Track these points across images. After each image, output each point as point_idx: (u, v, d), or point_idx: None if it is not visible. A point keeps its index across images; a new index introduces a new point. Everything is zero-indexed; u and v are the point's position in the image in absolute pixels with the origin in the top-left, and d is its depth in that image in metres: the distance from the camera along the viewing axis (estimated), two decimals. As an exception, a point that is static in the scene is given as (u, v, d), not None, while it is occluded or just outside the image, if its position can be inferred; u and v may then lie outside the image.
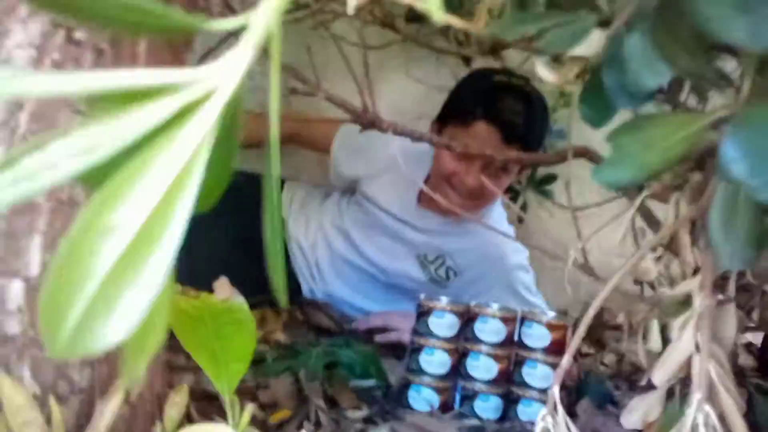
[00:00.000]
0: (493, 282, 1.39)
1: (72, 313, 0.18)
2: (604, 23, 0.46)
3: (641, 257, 0.61)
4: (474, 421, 0.98)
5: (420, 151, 1.46)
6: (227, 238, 1.40)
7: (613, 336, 1.93)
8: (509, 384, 1.04)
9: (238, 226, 1.50)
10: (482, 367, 1.03)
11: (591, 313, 0.57)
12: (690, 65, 0.35)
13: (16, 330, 0.51)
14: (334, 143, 1.56)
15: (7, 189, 0.17)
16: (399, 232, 1.47)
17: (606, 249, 1.54)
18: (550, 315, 1.08)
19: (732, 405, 0.51)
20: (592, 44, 0.40)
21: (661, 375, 0.58)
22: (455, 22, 0.27)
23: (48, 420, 0.47)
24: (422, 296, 1.08)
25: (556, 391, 0.58)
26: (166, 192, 0.18)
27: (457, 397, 1.03)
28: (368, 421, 0.92)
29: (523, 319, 1.07)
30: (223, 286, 0.69)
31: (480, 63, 1.67)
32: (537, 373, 1.02)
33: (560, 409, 0.57)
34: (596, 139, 0.83)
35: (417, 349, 1.04)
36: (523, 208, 1.84)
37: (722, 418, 0.54)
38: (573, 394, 1.07)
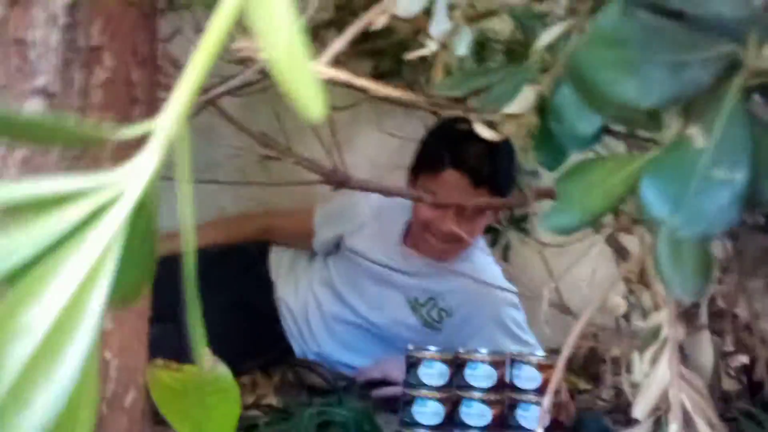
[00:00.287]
0: (484, 320, 1.40)
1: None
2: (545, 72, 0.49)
3: (609, 291, 0.62)
4: (472, 470, 0.97)
5: (400, 200, 1.49)
6: (215, 306, 1.40)
7: (609, 370, 1.92)
8: (505, 429, 1.04)
9: (225, 296, 1.51)
10: (476, 414, 1.02)
11: (565, 352, 0.58)
12: (616, 113, 0.38)
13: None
14: (315, 222, 1.62)
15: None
16: (388, 278, 1.49)
17: (598, 283, 1.55)
18: (540, 355, 1.08)
19: (711, 433, 0.51)
20: (527, 100, 0.43)
21: (642, 408, 0.59)
22: (395, 92, 0.30)
23: None
24: (410, 347, 1.09)
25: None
26: (77, 291, 0.19)
27: (454, 447, 1.02)
28: (365, 480, 0.91)
29: (513, 362, 1.07)
30: (204, 356, 0.69)
31: (448, 111, 1.72)
32: (531, 416, 1.02)
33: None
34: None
35: (409, 402, 1.03)
36: (507, 247, 1.86)
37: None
38: (571, 432, 1.07)
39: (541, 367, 1.04)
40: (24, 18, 0.51)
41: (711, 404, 0.58)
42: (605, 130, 0.56)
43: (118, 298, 0.21)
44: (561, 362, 0.64)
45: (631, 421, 1.20)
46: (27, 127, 0.20)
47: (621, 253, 0.87)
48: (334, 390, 1.33)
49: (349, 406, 1.11)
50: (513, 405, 1.04)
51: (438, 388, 1.03)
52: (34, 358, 0.18)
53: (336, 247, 1.60)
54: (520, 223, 1.90)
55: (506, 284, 1.46)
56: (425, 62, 1.39)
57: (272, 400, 1.21)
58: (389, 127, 2.03)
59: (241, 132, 2.07)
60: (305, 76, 0.18)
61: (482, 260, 1.49)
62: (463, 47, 0.52)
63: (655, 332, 0.65)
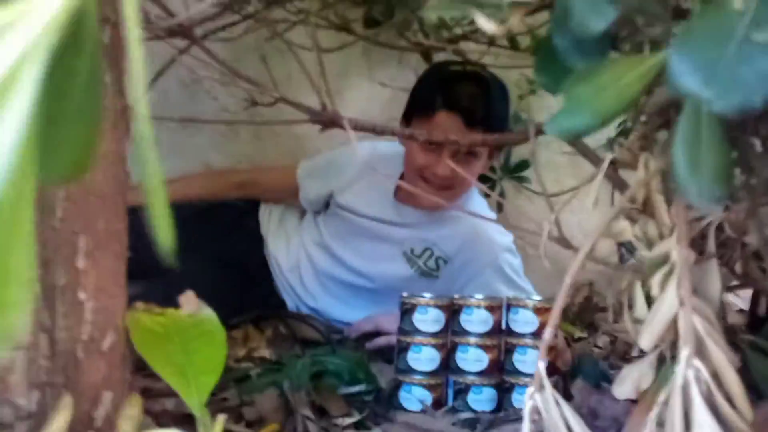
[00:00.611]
0: (482, 266, 1.38)
1: None
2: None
3: (615, 217, 0.59)
4: (468, 414, 0.95)
5: (391, 153, 1.46)
6: (207, 263, 1.37)
7: (604, 318, 1.92)
8: (501, 373, 1.02)
9: (218, 252, 1.48)
10: (472, 359, 1.00)
11: (568, 280, 0.55)
12: (633, 1, 0.34)
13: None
14: (298, 175, 1.59)
15: None
16: (381, 232, 1.46)
17: (588, 230, 1.53)
18: (536, 299, 1.06)
19: (723, 359, 0.49)
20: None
21: (648, 338, 0.56)
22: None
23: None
24: (404, 294, 1.06)
25: (542, 367, 0.55)
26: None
27: (450, 393, 1.01)
28: (359, 426, 0.89)
29: (509, 306, 1.05)
30: (189, 300, 0.66)
31: (440, 57, 1.67)
32: (528, 359, 1.00)
33: (548, 384, 0.55)
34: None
35: (404, 348, 1.01)
36: (502, 196, 1.83)
37: (715, 375, 0.52)
38: (568, 378, 1.05)
39: (537, 311, 1.02)
40: None
41: (720, 332, 0.55)
42: (613, 47, 0.51)
43: (68, 162, 0.19)
44: (560, 299, 0.61)
45: (629, 361, 1.18)
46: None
47: (621, 187, 0.84)
48: (327, 342, 1.31)
49: (342, 355, 1.09)
50: (510, 349, 1.02)
51: (433, 334, 1.01)
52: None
53: (326, 206, 1.58)
54: (515, 171, 1.87)
55: (501, 230, 1.44)
56: (416, 10, 1.34)
57: (265, 352, 1.19)
58: (381, 78, 1.97)
59: (228, 84, 2.01)
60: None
61: (477, 207, 1.46)
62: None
63: (660, 262, 0.62)
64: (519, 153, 1.97)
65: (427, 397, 0.98)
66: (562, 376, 1.07)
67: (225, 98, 1.96)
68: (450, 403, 1.00)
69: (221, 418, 0.49)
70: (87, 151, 0.22)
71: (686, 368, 0.47)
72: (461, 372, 1.00)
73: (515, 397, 0.99)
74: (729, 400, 0.48)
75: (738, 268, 0.70)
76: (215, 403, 0.87)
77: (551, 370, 1.01)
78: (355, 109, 1.83)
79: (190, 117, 1.83)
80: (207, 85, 1.96)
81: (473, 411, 0.97)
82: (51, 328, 0.51)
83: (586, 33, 0.38)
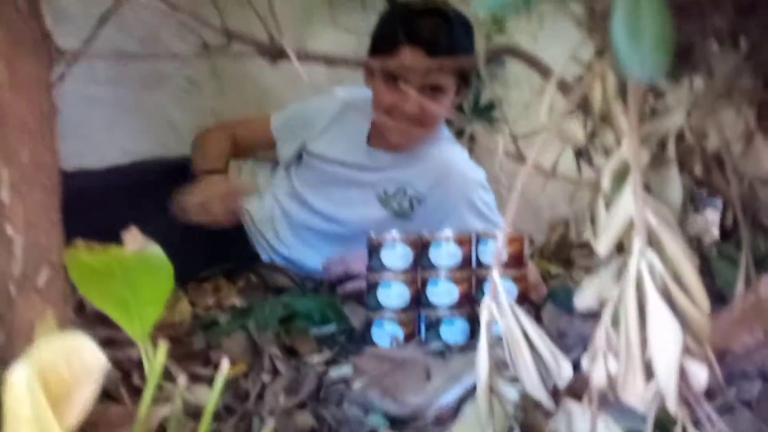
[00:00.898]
0: (455, 201, 1.37)
1: None
2: None
3: (564, 116, 0.56)
4: (440, 345, 0.94)
5: (361, 100, 1.43)
6: (176, 219, 1.34)
7: (581, 254, 1.92)
8: (473, 305, 1.01)
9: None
10: (443, 293, 0.99)
11: (518, 186, 0.53)
12: None
13: None
14: (273, 130, 1.57)
15: None
16: (354, 178, 1.45)
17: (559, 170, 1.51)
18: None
19: (679, 251, 0.47)
20: None
21: (605, 242, 0.55)
22: None
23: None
24: (371, 233, 1.04)
25: (496, 276, 0.54)
26: None
27: (422, 327, 1.00)
28: (331, 363, 0.88)
29: (478, 239, 1.04)
30: (133, 237, 0.63)
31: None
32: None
33: (502, 292, 0.54)
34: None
35: (373, 286, 0.99)
36: (472, 138, 1.81)
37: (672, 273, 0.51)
38: (542, 309, 1.05)
39: (507, 241, 1.00)
40: None
41: (679, 235, 0.54)
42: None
43: None
44: (509, 213, 0.59)
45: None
46: None
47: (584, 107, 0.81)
48: (300, 288, 1.29)
49: (313, 297, 1.07)
50: (481, 281, 1.01)
51: (402, 271, 0.99)
52: None
53: (298, 158, 1.56)
54: (484, 112, 1.84)
55: (474, 166, 1.43)
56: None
57: (234, 301, 1.17)
58: (346, 24, 1.92)
59: (188, 40, 1.94)
60: None
61: (448, 146, 1.45)
62: None
63: (619, 172, 0.60)
64: (488, 94, 1.94)
65: (399, 332, 0.97)
66: (535, 306, 1.06)
67: (186, 50, 1.90)
68: (422, 337, 0.99)
69: (163, 344, 0.47)
70: None
71: (639, 260, 0.45)
72: (432, 306, 0.99)
73: (487, 328, 0.99)
74: (686, 292, 0.46)
75: (700, 174, 0.68)
76: (180, 347, 0.86)
77: (522, 299, 1.01)
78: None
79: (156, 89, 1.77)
80: (166, 40, 1.89)
81: (445, 343, 0.96)
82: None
83: None
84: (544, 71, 0.86)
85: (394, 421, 0.68)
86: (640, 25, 0.34)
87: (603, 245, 0.55)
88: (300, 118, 1.55)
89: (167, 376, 0.75)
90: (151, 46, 1.88)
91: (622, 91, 0.63)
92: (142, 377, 0.70)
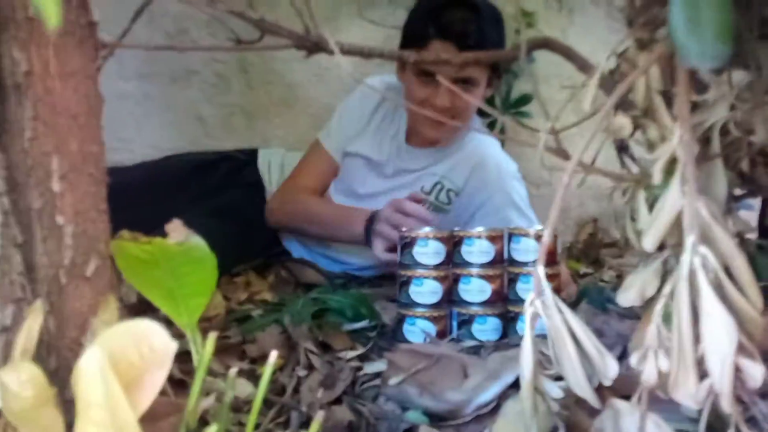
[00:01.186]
0: (491, 191, 1.38)
1: None
2: None
3: (611, 111, 0.56)
4: (473, 343, 0.94)
5: (395, 91, 1.43)
6: (208, 214, 1.36)
7: (610, 254, 1.90)
8: (505, 303, 1.01)
9: (219, 203, 1.46)
10: (475, 290, 0.99)
11: (565, 179, 0.52)
12: None
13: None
14: (325, 148, 1.51)
15: None
16: (393, 176, 1.45)
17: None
18: (537, 227, 1.04)
19: (732, 245, 0.46)
20: None
21: (653, 238, 0.54)
22: None
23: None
24: (403, 228, 1.04)
25: (540, 271, 0.53)
26: None
27: (454, 324, 0.99)
28: (364, 358, 0.88)
29: (510, 236, 1.03)
30: (176, 229, 0.63)
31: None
32: (532, 287, 0.98)
33: (547, 288, 0.53)
34: (566, 68, 0.79)
35: (405, 282, 0.99)
36: (502, 132, 1.80)
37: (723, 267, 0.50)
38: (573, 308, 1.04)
39: (539, 239, 0.99)
40: None
41: (726, 228, 0.53)
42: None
43: None
44: (554, 211, 0.58)
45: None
46: None
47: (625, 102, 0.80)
48: (330, 286, 1.29)
49: (344, 293, 1.07)
50: (513, 279, 1.01)
51: (434, 267, 0.99)
52: None
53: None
54: (515, 106, 1.83)
55: (507, 158, 1.44)
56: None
57: (267, 295, 1.18)
58: (373, 17, 1.92)
59: (216, 35, 1.95)
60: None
61: (481, 137, 1.45)
62: None
63: (666, 168, 0.59)
64: (520, 89, 1.93)
65: (431, 329, 0.97)
66: (567, 306, 1.05)
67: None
68: (454, 334, 0.99)
69: (212, 334, 0.48)
70: None
71: (692, 255, 0.45)
72: (464, 303, 0.99)
73: (519, 326, 0.98)
74: (739, 289, 0.45)
75: (746, 169, 0.67)
76: (216, 342, 0.86)
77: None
78: (348, 52, 1.78)
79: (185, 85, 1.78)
80: (194, 35, 1.91)
81: (478, 341, 0.96)
82: (24, 245, 0.49)
83: None
84: (582, 65, 0.85)
85: (431, 418, 0.68)
86: (699, 14, 0.33)
87: (650, 241, 0.54)
88: (341, 124, 1.52)
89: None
90: (179, 41, 1.90)
91: (666, 84, 0.62)
92: (180, 369, 0.71)
